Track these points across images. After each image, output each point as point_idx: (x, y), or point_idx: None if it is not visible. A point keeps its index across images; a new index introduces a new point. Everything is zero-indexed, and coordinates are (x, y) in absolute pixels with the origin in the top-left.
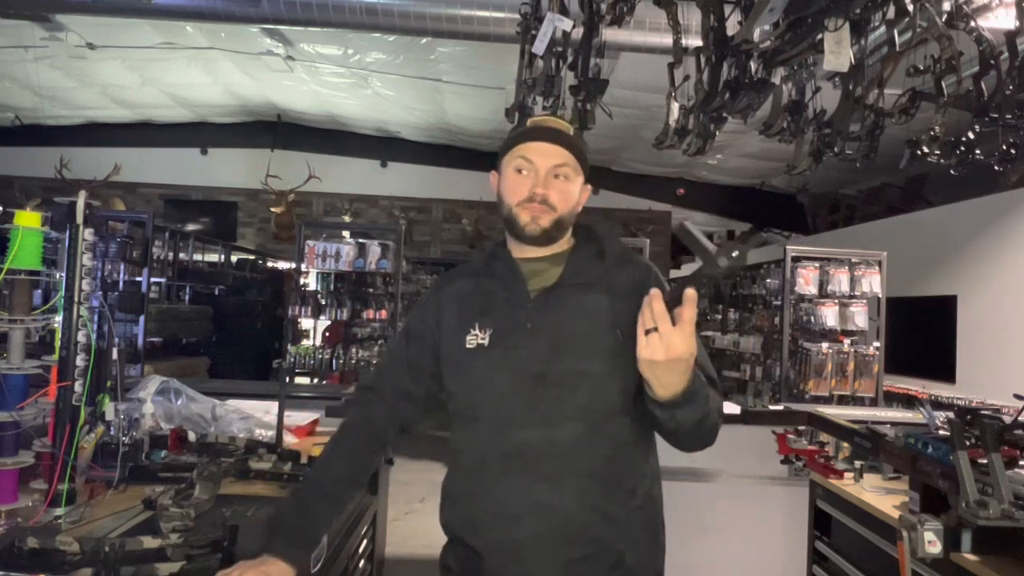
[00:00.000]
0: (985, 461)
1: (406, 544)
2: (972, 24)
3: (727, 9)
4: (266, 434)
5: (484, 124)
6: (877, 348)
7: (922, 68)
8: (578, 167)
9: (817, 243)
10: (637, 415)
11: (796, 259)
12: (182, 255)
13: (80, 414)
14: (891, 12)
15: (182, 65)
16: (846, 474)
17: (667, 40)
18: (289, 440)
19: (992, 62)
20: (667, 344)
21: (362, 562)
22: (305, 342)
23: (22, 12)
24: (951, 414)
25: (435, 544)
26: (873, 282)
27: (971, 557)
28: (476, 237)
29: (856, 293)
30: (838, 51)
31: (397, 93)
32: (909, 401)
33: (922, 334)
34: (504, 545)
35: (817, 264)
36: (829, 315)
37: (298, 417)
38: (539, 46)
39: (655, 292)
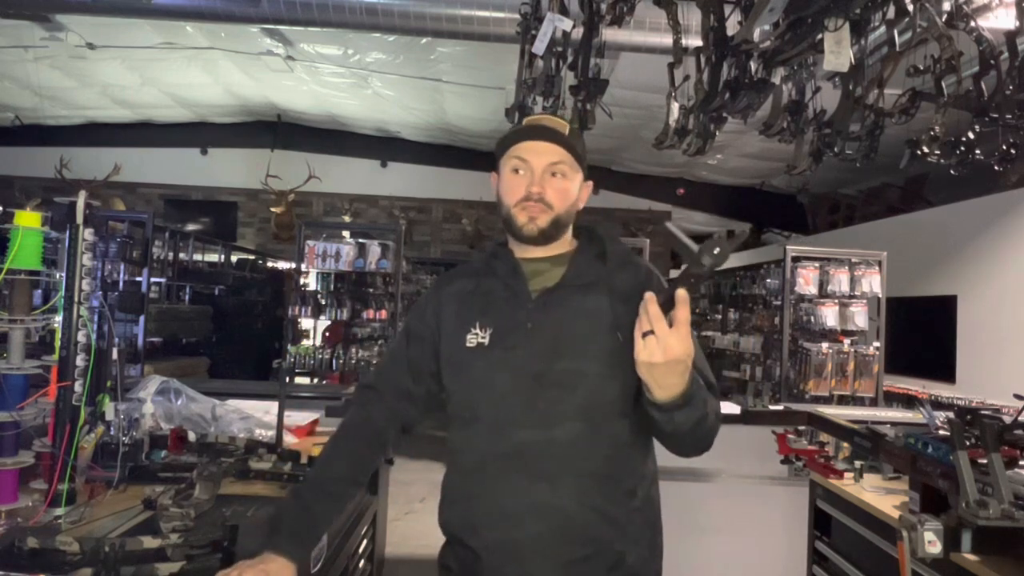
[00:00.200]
0: (985, 461)
1: (406, 544)
2: (972, 24)
3: (727, 9)
4: (266, 434)
5: (484, 124)
6: (877, 348)
7: (922, 68)
8: (575, 164)
9: (817, 243)
10: (636, 417)
11: (796, 259)
12: (182, 255)
13: (80, 414)
14: (891, 12)
15: (182, 65)
16: (846, 474)
17: (667, 40)
18: (289, 440)
19: (992, 62)
20: (664, 346)
21: (362, 562)
22: (305, 342)
23: (22, 12)
24: (951, 414)
25: (435, 544)
26: (873, 282)
27: (971, 557)
28: (476, 237)
29: (856, 293)
30: (838, 51)
31: (397, 93)
32: (909, 401)
33: (922, 334)
34: (503, 545)
35: (817, 264)
36: (829, 315)
37: (298, 417)
38: (539, 46)
39: (649, 295)
